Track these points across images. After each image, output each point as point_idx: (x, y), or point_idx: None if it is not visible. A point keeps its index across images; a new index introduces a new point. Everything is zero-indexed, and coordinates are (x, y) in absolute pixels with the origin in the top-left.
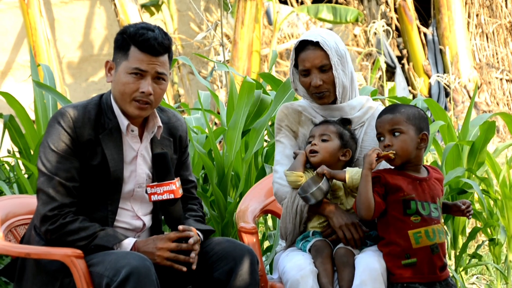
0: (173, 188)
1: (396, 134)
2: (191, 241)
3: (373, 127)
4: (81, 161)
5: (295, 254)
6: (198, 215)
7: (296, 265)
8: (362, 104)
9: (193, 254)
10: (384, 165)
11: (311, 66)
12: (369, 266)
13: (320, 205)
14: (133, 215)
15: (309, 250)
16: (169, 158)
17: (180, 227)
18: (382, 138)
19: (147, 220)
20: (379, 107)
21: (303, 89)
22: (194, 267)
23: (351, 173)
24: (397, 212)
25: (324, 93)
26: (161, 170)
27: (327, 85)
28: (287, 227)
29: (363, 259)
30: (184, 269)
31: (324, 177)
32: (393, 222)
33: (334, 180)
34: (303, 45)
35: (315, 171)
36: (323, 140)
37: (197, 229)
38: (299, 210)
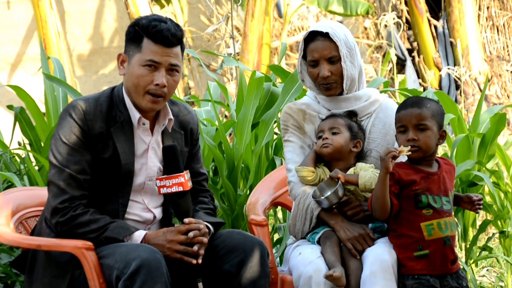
0: (182, 180)
1: (422, 129)
2: (190, 234)
3: (381, 119)
4: (92, 154)
5: (305, 248)
6: (208, 208)
7: (307, 260)
8: (368, 96)
9: (195, 248)
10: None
11: (320, 57)
12: (380, 257)
13: (332, 210)
14: (143, 207)
15: (318, 242)
16: (178, 151)
17: (186, 220)
18: (405, 131)
19: (158, 212)
20: (386, 99)
21: (310, 80)
22: (199, 261)
23: (364, 179)
24: (409, 206)
25: (332, 85)
26: (170, 163)
27: (335, 76)
28: (295, 224)
29: (374, 250)
30: (194, 261)
31: (339, 182)
32: (405, 216)
33: None
34: (313, 36)
35: (325, 166)
36: (334, 133)
37: (207, 221)
38: (309, 211)
